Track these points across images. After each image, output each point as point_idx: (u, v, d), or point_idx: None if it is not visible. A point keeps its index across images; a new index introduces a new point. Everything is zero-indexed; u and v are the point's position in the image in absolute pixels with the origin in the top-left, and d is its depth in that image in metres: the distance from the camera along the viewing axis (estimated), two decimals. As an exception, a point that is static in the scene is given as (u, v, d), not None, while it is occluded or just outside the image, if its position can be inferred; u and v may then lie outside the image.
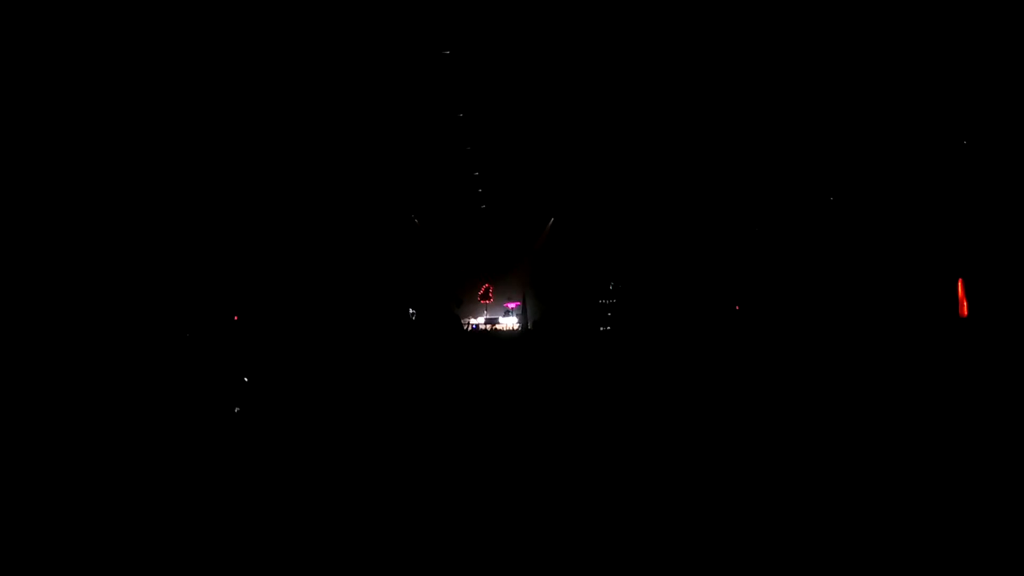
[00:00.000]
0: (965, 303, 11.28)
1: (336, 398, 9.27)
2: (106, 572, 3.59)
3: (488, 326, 29.78)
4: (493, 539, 3.68)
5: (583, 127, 19.45)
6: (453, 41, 15.48)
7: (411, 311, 27.78)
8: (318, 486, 4.76)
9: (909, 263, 13.38)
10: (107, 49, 10.71)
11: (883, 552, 3.34)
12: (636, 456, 5.41)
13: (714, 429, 6.29)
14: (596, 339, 19.80)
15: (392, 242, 25.26)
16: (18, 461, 5.95)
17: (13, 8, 9.32)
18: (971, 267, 11.85)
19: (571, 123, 19.34)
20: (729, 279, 20.19)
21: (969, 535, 3.48)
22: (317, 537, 3.81)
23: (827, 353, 11.32)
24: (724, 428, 6.34)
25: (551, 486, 4.58)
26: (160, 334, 11.85)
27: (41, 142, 10.17)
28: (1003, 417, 6.08)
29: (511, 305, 30.78)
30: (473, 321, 30.21)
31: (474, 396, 9.18)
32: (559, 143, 20.89)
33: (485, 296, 31.75)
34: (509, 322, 30.31)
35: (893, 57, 12.45)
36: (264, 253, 16.68)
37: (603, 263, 26.28)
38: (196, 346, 12.25)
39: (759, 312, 18.52)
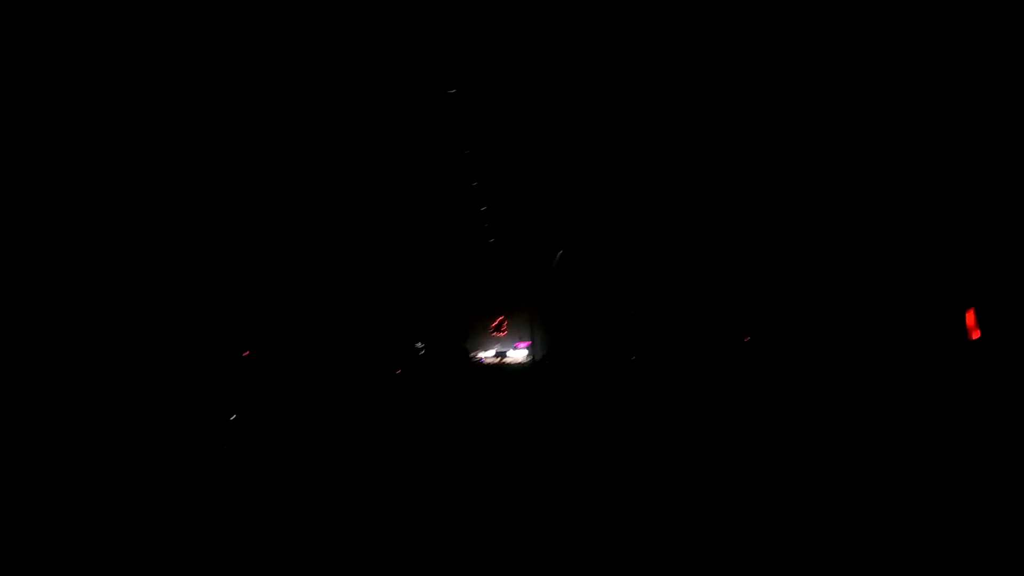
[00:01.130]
0: (976, 330, 11.24)
1: (342, 425, 9.27)
2: (106, 572, 3.59)
3: (497, 359, 29.73)
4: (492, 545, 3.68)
5: (586, 158, 19.64)
6: (458, 77, 15.77)
7: (419, 345, 27.76)
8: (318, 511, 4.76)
9: (921, 283, 13.34)
10: (107, 49, 10.76)
11: (889, 553, 3.32)
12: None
13: (733, 455, 6.26)
14: (618, 370, 19.66)
15: (402, 273, 25.36)
16: (20, 461, 5.95)
17: (13, 8, 9.40)
18: (981, 291, 11.81)
19: (574, 155, 19.55)
20: (740, 304, 20.12)
21: (972, 541, 3.46)
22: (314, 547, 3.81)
23: (842, 378, 11.25)
24: (742, 453, 6.31)
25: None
26: (167, 346, 11.83)
27: (39, 143, 10.18)
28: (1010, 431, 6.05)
29: (521, 345, 30.85)
30: (482, 355, 30.17)
31: (485, 427, 9.14)
32: (564, 177, 21.09)
33: (499, 328, 31.70)
34: (518, 356, 30.30)
35: (905, 74, 12.55)
36: (280, 285, 16.76)
37: (615, 291, 26.23)
38: (203, 363, 12.25)
39: (770, 338, 18.41)
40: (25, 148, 10.06)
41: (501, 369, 26.45)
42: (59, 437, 7.36)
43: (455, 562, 3.72)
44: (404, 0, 12.98)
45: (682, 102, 16.16)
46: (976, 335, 11.30)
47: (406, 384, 16.17)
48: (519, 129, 18.62)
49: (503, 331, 31.64)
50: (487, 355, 30.50)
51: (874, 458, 5.75)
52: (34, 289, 9.95)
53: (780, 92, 14.77)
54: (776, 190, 17.71)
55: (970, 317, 11.86)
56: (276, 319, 16.76)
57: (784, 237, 18.67)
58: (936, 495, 4.52)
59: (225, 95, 12.87)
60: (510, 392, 15.19)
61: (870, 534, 3.82)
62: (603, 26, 14.11)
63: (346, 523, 4.43)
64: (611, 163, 19.63)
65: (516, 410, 11.26)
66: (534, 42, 14.68)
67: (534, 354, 29.52)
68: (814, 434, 7.14)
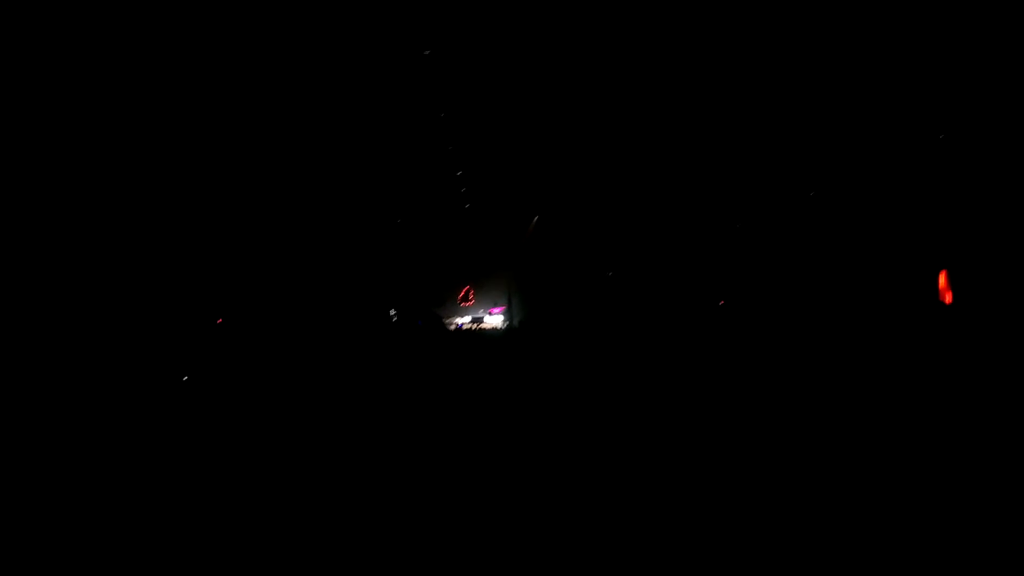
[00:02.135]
0: (949, 293, 11.43)
1: (319, 399, 9.16)
2: (106, 572, 3.54)
3: (474, 325, 29.74)
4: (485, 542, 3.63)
5: (564, 123, 19.44)
6: (433, 39, 15.39)
7: (392, 312, 27.59)
8: (302, 485, 4.68)
9: (892, 254, 13.52)
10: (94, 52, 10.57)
11: (873, 544, 3.33)
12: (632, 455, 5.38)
13: (706, 425, 6.28)
14: (594, 333, 19.76)
15: (374, 242, 25.08)
16: (19, 461, 5.85)
17: (13, 8, 9.19)
18: (954, 258, 12.00)
19: (552, 120, 19.33)
20: (714, 272, 20.27)
21: (959, 525, 3.48)
22: (298, 537, 3.74)
23: (814, 345, 11.41)
24: (716, 424, 6.33)
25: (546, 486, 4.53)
26: (142, 334, 11.67)
27: (35, 144, 10.04)
28: (988, 400, 6.14)
29: (495, 310, 30.85)
30: (458, 320, 30.14)
31: (466, 392, 9.10)
32: (541, 140, 20.87)
33: (465, 299, 31.68)
34: (494, 321, 30.33)
35: (866, 51, 12.57)
36: (245, 252, 16.47)
37: (592, 257, 26.27)
38: (180, 346, 12.09)
39: (745, 305, 18.61)
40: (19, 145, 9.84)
41: (477, 334, 26.47)
42: (43, 430, 7.22)
43: (440, 543, 3.66)
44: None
45: (661, 70, 16.01)
46: (948, 299, 11.51)
47: (380, 353, 16.05)
48: (494, 92, 18.32)
49: (471, 300, 31.62)
50: (463, 321, 30.49)
51: (851, 427, 5.81)
52: (25, 283, 9.79)
53: (756, 68, 14.71)
54: (747, 158, 17.76)
55: (942, 279, 12.05)
56: (246, 286, 16.50)
57: (757, 203, 18.78)
58: (915, 467, 4.56)
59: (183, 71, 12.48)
60: (485, 356, 15.19)
61: (848, 509, 3.83)
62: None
63: (324, 502, 4.36)
64: (587, 127, 19.47)
65: (492, 374, 11.26)
66: (510, 5, 14.38)
67: (510, 319, 29.56)
68: (788, 401, 7.20)
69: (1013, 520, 3.50)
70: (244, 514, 4.23)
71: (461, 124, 20.14)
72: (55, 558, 3.68)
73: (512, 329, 27.16)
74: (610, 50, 15.28)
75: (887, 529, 3.50)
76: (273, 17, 12.83)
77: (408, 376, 11.71)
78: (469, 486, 4.62)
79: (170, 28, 11.91)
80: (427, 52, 16.17)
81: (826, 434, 5.57)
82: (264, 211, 17.11)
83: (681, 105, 17.08)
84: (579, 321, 24.34)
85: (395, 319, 27.23)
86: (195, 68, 12.97)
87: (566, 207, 26.14)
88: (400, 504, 4.26)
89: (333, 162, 19.52)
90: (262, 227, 17.09)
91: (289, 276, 18.67)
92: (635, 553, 3.42)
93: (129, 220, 12.43)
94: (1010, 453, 4.65)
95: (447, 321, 28.61)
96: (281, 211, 17.92)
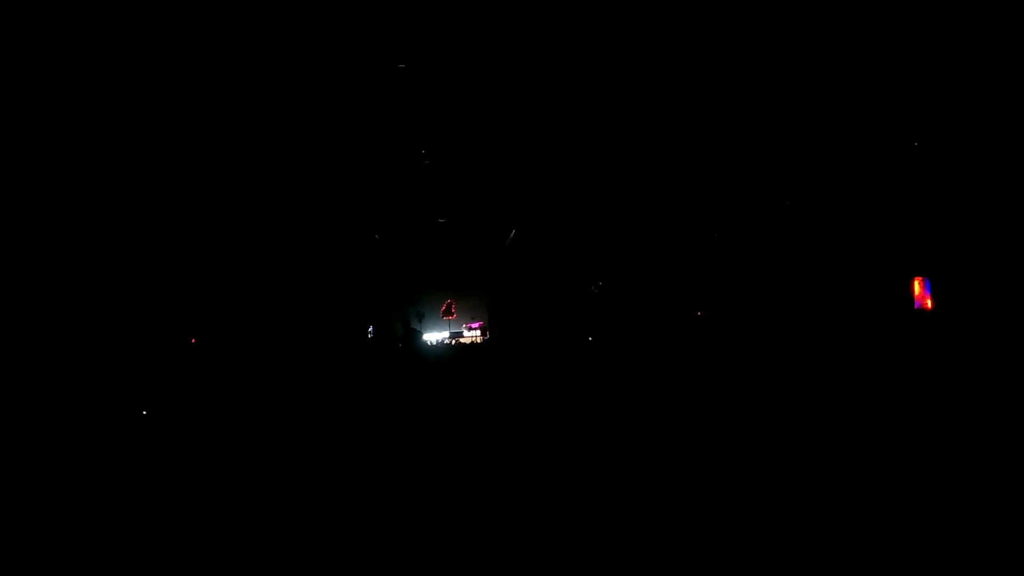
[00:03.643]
0: (928, 298, 11.53)
1: (300, 408, 8.99)
2: (106, 572, 3.41)
3: (452, 340, 29.59)
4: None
5: (541, 136, 19.44)
6: (407, 52, 15.31)
7: (370, 329, 27.37)
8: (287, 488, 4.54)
9: (867, 262, 13.63)
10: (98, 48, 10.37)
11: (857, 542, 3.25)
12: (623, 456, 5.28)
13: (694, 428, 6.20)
14: (575, 345, 19.70)
15: (351, 258, 24.87)
16: (18, 461, 5.67)
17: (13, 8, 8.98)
18: (929, 264, 12.12)
19: (529, 132, 19.32)
20: (692, 282, 20.35)
21: (946, 523, 3.42)
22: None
23: (794, 353, 11.43)
24: (700, 431, 6.25)
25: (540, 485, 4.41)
26: (128, 342, 11.47)
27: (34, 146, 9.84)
28: (979, 402, 6.13)
29: (473, 325, 30.82)
30: (437, 335, 29.96)
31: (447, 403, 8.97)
32: (517, 153, 20.85)
33: (448, 312, 31.56)
34: (472, 335, 30.25)
35: (846, 58, 12.72)
36: (222, 265, 16.21)
37: (569, 269, 26.29)
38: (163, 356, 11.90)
39: (723, 315, 18.67)
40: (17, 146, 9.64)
41: (455, 348, 26.31)
42: (59, 438, 7.01)
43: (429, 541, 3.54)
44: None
45: (637, 77, 16.07)
46: (927, 305, 11.59)
47: (359, 369, 15.84)
48: (471, 105, 18.27)
49: (452, 315, 31.56)
50: (441, 336, 30.33)
51: (832, 429, 5.76)
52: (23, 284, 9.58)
53: (727, 70, 14.83)
54: (726, 168, 17.89)
55: (918, 286, 12.15)
56: (223, 303, 16.22)
57: (733, 212, 18.92)
58: (897, 467, 4.51)
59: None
60: (465, 369, 15.06)
61: (834, 506, 3.76)
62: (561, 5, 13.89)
63: (312, 504, 4.22)
64: (565, 140, 19.49)
65: (472, 385, 11.15)
66: (485, 16, 14.35)
67: (487, 333, 29.48)
68: (768, 405, 7.16)
69: (1007, 522, 3.43)
70: (235, 521, 4.08)
71: (436, 137, 20.06)
72: (55, 558, 3.54)
73: (490, 343, 27.06)
74: (585, 63, 15.31)
75: (880, 531, 3.42)
76: (246, 41, 12.70)
77: (388, 389, 11.56)
78: (452, 492, 4.49)
79: (168, 38, 11.75)
80: (401, 65, 16.09)
81: (812, 439, 5.50)
82: (241, 225, 16.87)
83: (656, 116, 17.16)
84: (557, 333, 24.30)
85: (372, 335, 26.99)
86: (174, 97, 12.82)
87: (543, 220, 26.15)
88: (386, 510, 4.12)
89: (308, 177, 19.33)
90: (241, 240, 16.84)
91: (267, 291, 18.40)
92: (629, 555, 3.31)
93: (118, 229, 12.25)
94: (1002, 455, 4.61)
95: (425, 336, 28.42)
96: (257, 225, 17.68)
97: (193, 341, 15.84)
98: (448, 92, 17.61)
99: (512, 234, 29.64)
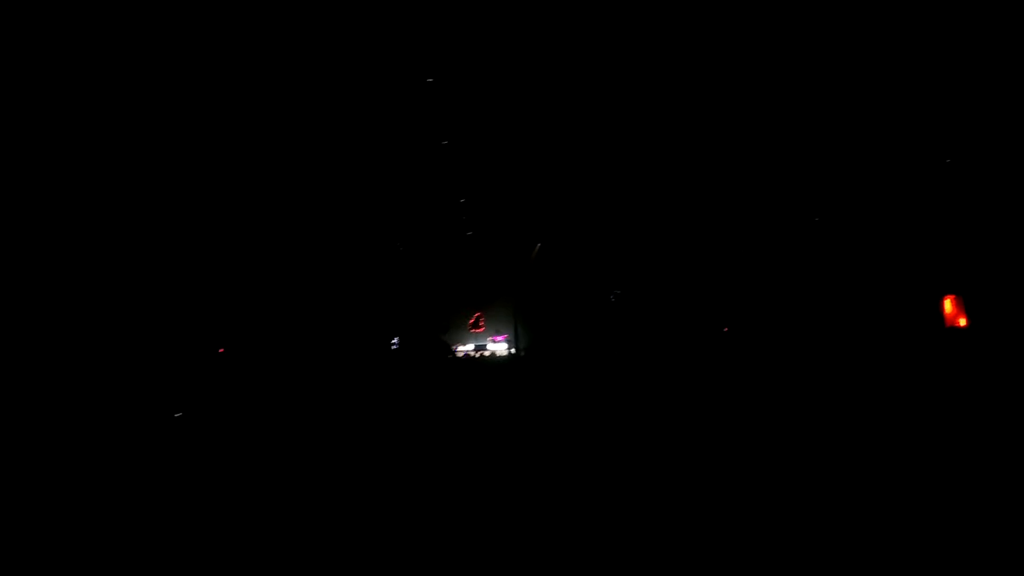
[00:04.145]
0: (963, 316, 11.26)
1: (324, 421, 9.02)
2: (106, 572, 3.45)
3: (477, 353, 29.58)
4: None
5: (567, 151, 19.46)
6: (437, 68, 15.47)
7: (394, 341, 27.48)
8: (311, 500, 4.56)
9: (897, 281, 13.38)
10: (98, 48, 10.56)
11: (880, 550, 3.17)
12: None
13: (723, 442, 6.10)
14: (600, 361, 19.58)
15: (378, 270, 25.04)
16: (20, 461, 5.77)
17: (13, 8, 9.21)
18: (962, 282, 11.86)
19: (555, 147, 19.35)
20: (718, 298, 20.13)
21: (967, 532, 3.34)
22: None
23: (822, 374, 11.22)
24: (721, 451, 6.15)
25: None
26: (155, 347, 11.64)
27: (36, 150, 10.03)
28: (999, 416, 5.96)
29: (498, 338, 30.81)
30: (462, 348, 29.98)
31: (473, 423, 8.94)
32: (542, 168, 20.90)
33: (476, 325, 31.63)
34: (498, 348, 30.19)
35: (870, 78, 12.57)
36: (252, 275, 16.42)
37: (595, 284, 26.19)
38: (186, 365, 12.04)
39: (750, 332, 18.43)
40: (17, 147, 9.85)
41: (480, 362, 26.26)
42: (45, 435, 7.12)
43: (444, 558, 3.52)
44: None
45: (661, 92, 16.04)
46: (961, 323, 11.33)
47: (382, 380, 15.89)
48: (497, 120, 18.38)
49: (480, 327, 31.61)
50: (467, 348, 30.34)
51: (860, 449, 5.64)
52: (25, 288, 9.75)
53: (752, 81, 14.72)
54: (755, 181, 17.71)
55: (951, 305, 11.88)
56: (251, 314, 16.41)
57: (762, 228, 18.69)
58: (923, 485, 4.39)
59: (195, 87, 12.53)
60: (490, 384, 15.01)
61: (857, 526, 3.67)
62: (584, 17, 13.93)
63: (327, 518, 4.23)
64: (590, 154, 19.47)
65: (497, 402, 11.08)
66: (514, 32, 14.45)
67: (513, 347, 29.42)
68: (799, 425, 7.02)
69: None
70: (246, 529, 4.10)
71: (464, 152, 20.18)
72: (56, 558, 3.60)
73: (516, 356, 26.98)
74: (612, 79, 15.32)
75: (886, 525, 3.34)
76: (279, 45, 12.91)
77: (411, 401, 11.56)
78: (468, 501, 4.47)
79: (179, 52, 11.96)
80: (430, 80, 16.25)
81: (837, 459, 5.38)
82: (271, 237, 17.09)
83: (684, 133, 17.08)
84: (583, 349, 24.16)
85: (396, 347, 27.09)
86: (205, 107, 13.04)
87: (569, 234, 26.10)
88: (398, 518, 4.11)
89: (337, 190, 19.54)
90: (269, 253, 17.06)
91: (294, 303, 18.58)
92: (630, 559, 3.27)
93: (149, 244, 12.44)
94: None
95: (451, 348, 28.45)
96: (288, 239, 17.90)
97: (221, 351, 16.07)
98: (478, 108, 17.76)
99: (538, 247, 29.63)
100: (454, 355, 28.27)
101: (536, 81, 16.21)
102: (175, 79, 11.86)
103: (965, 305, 11.26)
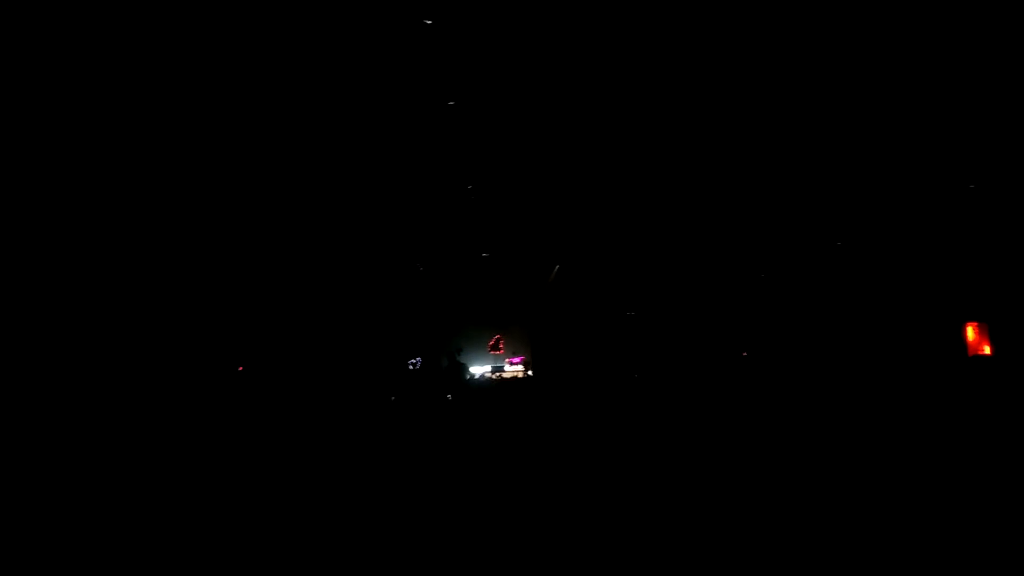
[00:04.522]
0: (987, 343, 11.08)
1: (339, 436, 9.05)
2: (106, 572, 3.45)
3: (495, 374, 29.57)
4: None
5: (586, 172, 19.53)
6: (457, 87, 15.64)
7: (412, 362, 27.53)
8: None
9: (923, 306, 13.22)
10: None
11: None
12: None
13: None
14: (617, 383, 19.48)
15: (395, 290, 25.17)
16: (21, 461, 5.83)
17: (13, 8, 9.33)
18: (986, 310, 11.69)
19: (573, 168, 19.43)
20: (737, 322, 19.99)
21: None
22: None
23: (841, 401, 11.08)
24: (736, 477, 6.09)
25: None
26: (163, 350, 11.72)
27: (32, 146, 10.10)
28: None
29: (515, 360, 30.82)
30: (479, 369, 29.99)
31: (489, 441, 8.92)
32: (560, 190, 20.97)
33: (496, 347, 31.69)
34: (513, 370, 30.20)
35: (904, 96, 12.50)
36: (267, 294, 16.56)
37: (613, 305, 26.12)
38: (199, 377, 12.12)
39: (769, 358, 18.26)
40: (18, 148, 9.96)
41: (497, 383, 26.22)
42: (52, 439, 7.20)
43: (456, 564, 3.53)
44: (402, 7, 12.88)
45: (678, 114, 16.10)
46: (983, 351, 11.15)
47: (401, 401, 15.92)
48: (515, 142, 18.51)
49: (500, 349, 31.67)
50: (483, 370, 30.34)
51: (878, 474, 5.57)
52: (29, 291, 9.83)
53: (777, 104, 14.71)
54: (773, 203, 17.65)
55: (972, 332, 11.71)
56: (267, 333, 16.53)
57: (780, 251, 18.59)
58: (940, 510, 4.32)
59: (213, 97, 12.72)
60: (508, 404, 14.99)
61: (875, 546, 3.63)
62: (599, 38, 14.04)
63: (345, 529, 4.24)
64: (607, 175, 19.53)
65: (514, 422, 11.05)
66: (529, 53, 14.60)
67: (529, 368, 29.38)
68: (816, 451, 6.94)
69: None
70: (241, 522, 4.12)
71: (481, 171, 20.33)
72: (56, 558, 3.65)
73: (533, 379, 26.94)
74: (631, 97, 15.40)
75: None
76: (293, 62, 13.11)
77: (425, 422, 11.57)
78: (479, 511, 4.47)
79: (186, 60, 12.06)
80: (451, 103, 16.44)
81: (855, 485, 5.30)
82: (287, 257, 17.25)
83: (703, 153, 17.10)
84: (599, 372, 24.06)
85: (417, 367, 27.13)
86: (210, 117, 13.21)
87: (588, 255, 26.10)
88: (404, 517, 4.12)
89: (354, 208, 19.72)
90: (284, 271, 17.21)
91: (310, 323, 18.72)
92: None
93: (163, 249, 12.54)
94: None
95: (468, 370, 28.43)
96: (302, 257, 18.06)
97: (240, 369, 16.19)
98: (496, 129, 17.91)
99: (556, 269, 29.63)
100: (471, 375, 28.25)
101: (557, 104, 16.34)
102: (191, 85, 12.02)
103: (990, 333, 11.10)
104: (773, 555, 3.73)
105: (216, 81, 12.23)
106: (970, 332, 11.32)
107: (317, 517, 4.63)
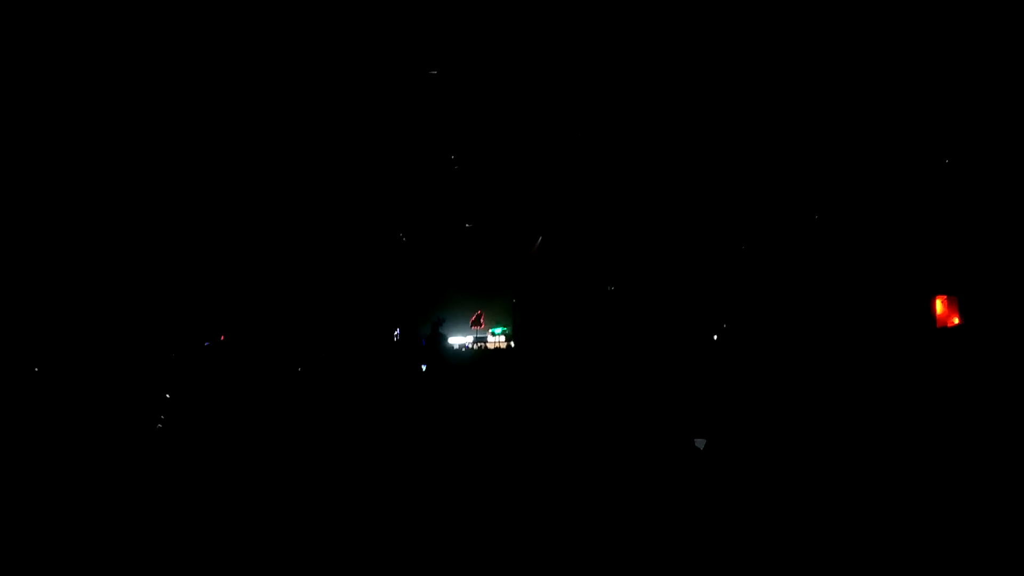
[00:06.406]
0: (955, 315, 11.31)
1: (320, 411, 9.11)
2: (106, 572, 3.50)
3: (477, 344, 29.74)
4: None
5: (567, 142, 19.52)
6: (437, 58, 15.53)
7: (396, 332, 27.57)
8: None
9: (896, 278, 13.42)
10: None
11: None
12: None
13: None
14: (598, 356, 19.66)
15: (377, 259, 25.12)
16: (21, 461, 5.85)
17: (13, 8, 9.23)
18: (955, 283, 11.90)
19: (555, 138, 19.42)
20: (718, 294, 20.20)
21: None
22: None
23: (820, 370, 11.28)
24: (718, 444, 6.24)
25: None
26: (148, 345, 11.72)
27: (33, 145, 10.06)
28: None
29: (497, 331, 30.98)
30: (461, 340, 30.11)
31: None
32: (544, 159, 20.96)
33: (477, 322, 31.80)
34: (496, 341, 30.34)
35: (870, 73, 12.60)
36: (246, 264, 16.49)
37: (596, 274, 26.24)
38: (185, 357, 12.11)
39: (749, 328, 18.49)
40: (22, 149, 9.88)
41: (480, 353, 26.37)
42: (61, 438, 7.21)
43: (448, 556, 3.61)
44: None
45: (663, 90, 16.10)
46: (952, 323, 11.39)
47: (385, 371, 16.01)
48: (498, 112, 18.44)
49: (481, 324, 31.82)
50: (466, 340, 30.49)
51: (854, 451, 5.71)
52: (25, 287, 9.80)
53: (750, 84, 14.77)
54: (750, 182, 17.77)
55: (941, 305, 11.92)
56: (246, 302, 16.50)
57: (758, 228, 18.76)
58: (918, 487, 4.47)
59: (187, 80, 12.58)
60: (491, 375, 15.13)
61: (851, 529, 3.76)
62: (582, 14, 13.99)
63: (333, 513, 4.31)
64: (592, 147, 19.53)
65: (497, 392, 11.18)
66: (515, 25, 14.51)
67: (512, 339, 29.55)
68: (792, 425, 7.10)
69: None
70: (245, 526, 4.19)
71: (464, 143, 20.25)
72: (55, 558, 3.68)
73: (516, 349, 27.10)
74: (610, 70, 15.37)
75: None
76: (276, 37, 12.96)
77: (412, 392, 11.67)
78: (467, 494, 4.56)
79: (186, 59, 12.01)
80: (433, 72, 16.31)
81: (831, 461, 5.46)
82: (266, 226, 17.16)
83: (684, 123, 17.13)
84: (583, 341, 24.22)
85: (399, 338, 27.19)
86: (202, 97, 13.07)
87: (571, 226, 26.14)
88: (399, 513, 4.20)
89: (335, 179, 19.60)
90: (264, 241, 17.12)
91: (291, 293, 18.68)
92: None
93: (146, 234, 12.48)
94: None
95: (450, 340, 28.54)
96: (283, 228, 17.97)
97: (223, 338, 16.16)
98: (478, 98, 17.83)
99: (539, 240, 29.66)
100: (452, 346, 28.38)
101: (542, 77, 16.27)
102: (173, 78, 11.91)
103: (959, 305, 11.33)
104: (745, 543, 3.85)
105: (183, 53, 12.08)
106: (939, 305, 11.54)
107: (297, 505, 4.69)
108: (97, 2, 10.09)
